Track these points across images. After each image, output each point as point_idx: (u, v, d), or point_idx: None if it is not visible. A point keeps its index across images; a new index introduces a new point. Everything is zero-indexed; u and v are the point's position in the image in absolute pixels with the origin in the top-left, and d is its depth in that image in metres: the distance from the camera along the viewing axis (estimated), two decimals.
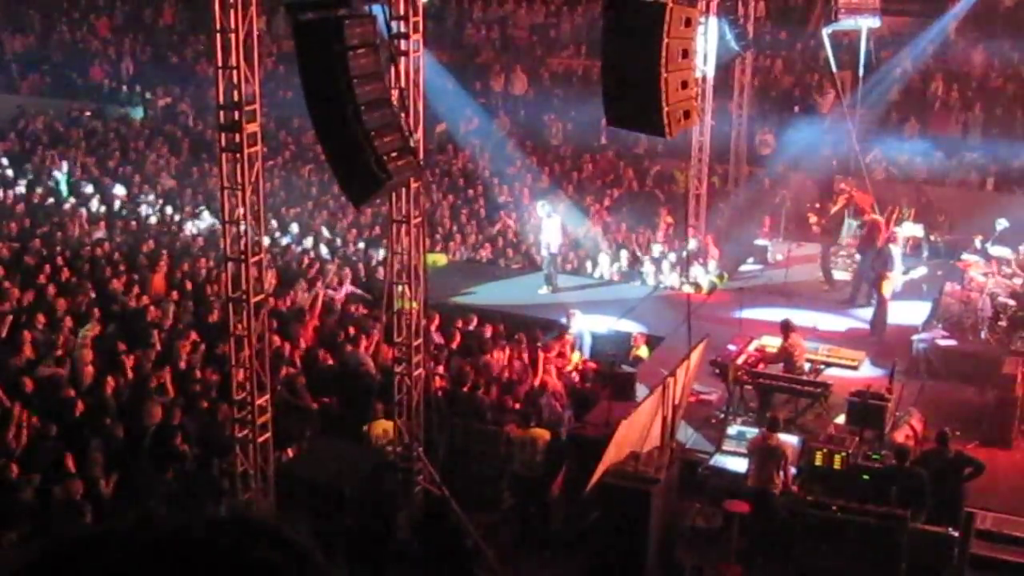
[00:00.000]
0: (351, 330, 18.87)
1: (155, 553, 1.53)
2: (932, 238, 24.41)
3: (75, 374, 16.54)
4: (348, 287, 21.67)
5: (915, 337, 18.37)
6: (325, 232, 25.02)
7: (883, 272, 19.35)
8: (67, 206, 25.89)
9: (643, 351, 18.67)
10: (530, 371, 17.57)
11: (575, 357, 18.65)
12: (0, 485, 13.23)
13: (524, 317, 20.28)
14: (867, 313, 20.32)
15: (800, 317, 18.31)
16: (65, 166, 29.08)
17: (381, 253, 22.40)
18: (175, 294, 20.28)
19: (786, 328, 16.53)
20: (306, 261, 22.78)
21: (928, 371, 17.73)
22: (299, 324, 19.18)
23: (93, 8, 39.41)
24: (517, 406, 16.28)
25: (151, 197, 27.08)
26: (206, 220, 25.16)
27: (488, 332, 19.23)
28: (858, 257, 22.82)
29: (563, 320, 19.63)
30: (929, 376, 17.58)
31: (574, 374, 18.13)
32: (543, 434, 14.82)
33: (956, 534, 12.86)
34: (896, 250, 19.79)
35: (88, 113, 34.04)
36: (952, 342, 18.21)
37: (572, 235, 24.85)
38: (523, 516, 14.80)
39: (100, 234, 23.72)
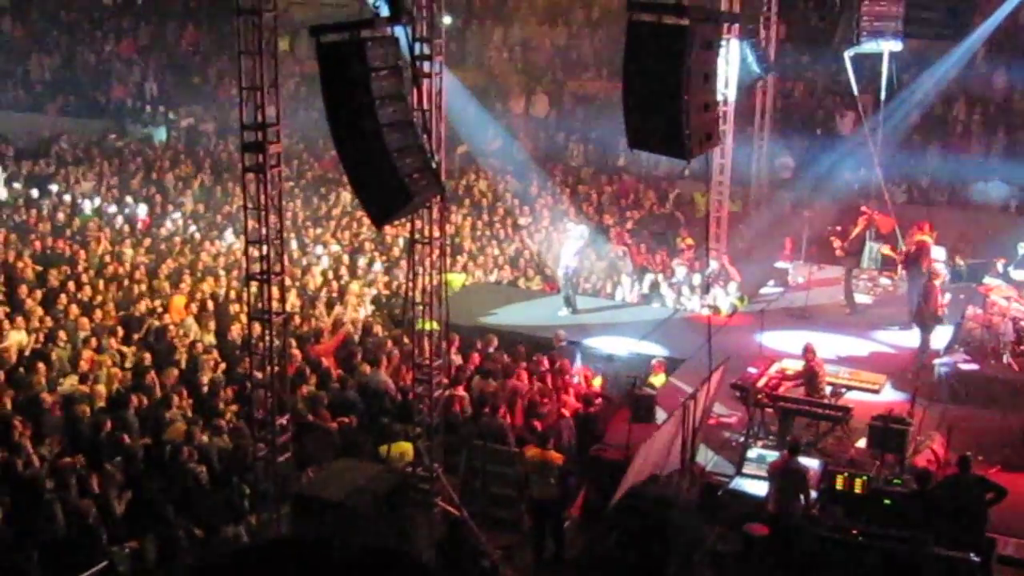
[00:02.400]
0: (371, 351, 18.93)
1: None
2: (954, 262, 24.31)
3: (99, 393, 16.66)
4: (368, 307, 21.75)
5: (937, 361, 18.28)
6: (339, 250, 25.08)
7: (926, 307, 19.06)
8: (91, 225, 26.04)
9: (660, 379, 18.30)
10: (552, 393, 17.51)
11: (596, 382, 18.56)
12: (29, 505, 13.32)
13: (544, 339, 20.24)
14: (894, 336, 20.31)
15: (821, 340, 18.22)
16: (89, 185, 29.27)
17: (401, 274, 22.50)
18: (197, 313, 20.41)
19: (807, 352, 16.47)
20: (327, 280, 22.85)
21: (950, 395, 17.63)
22: (320, 344, 19.24)
23: (117, 29, 39.71)
24: (539, 427, 16.23)
25: (174, 216, 27.20)
26: (228, 239, 25.26)
27: (507, 354, 19.23)
28: (885, 281, 22.79)
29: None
30: (951, 400, 17.48)
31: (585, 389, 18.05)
32: (557, 457, 14.72)
33: (977, 560, 12.78)
34: (938, 284, 19.55)
35: (113, 135, 34.26)
36: (974, 366, 18.11)
37: (594, 257, 24.85)
38: (541, 538, 14.76)
39: (124, 253, 23.81)
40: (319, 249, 24.94)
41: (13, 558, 12.31)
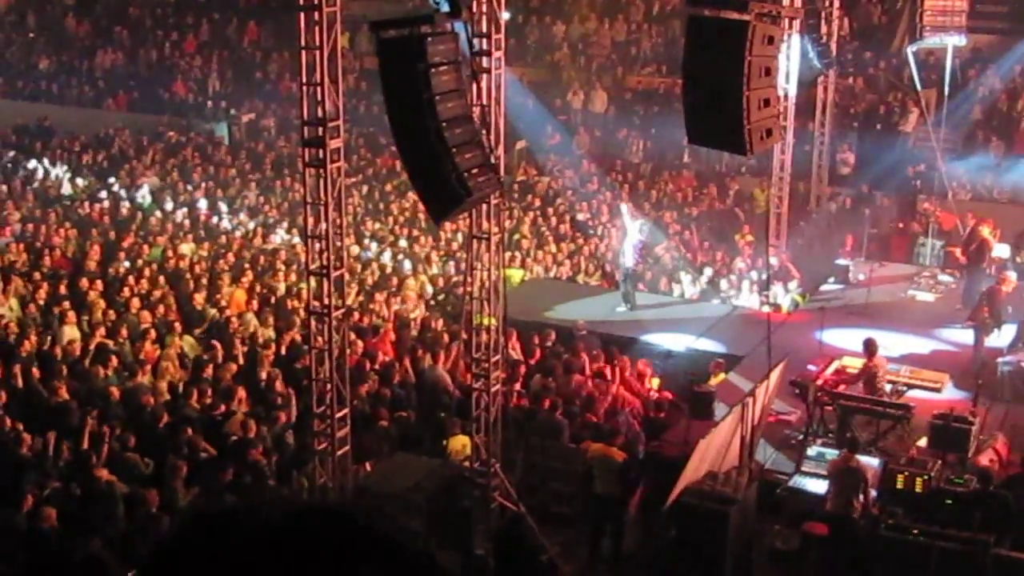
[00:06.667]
0: (430, 345, 18.98)
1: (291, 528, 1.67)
2: (1018, 259, 24.02)
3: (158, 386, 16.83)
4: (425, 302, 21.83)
5: (1000, 360, 18.05)
6: (404, 245, 25.15)
7: (990, 309, 18.71)
8: (152, 220, 26.29)
9: (719, 379, 18.05)
10: (608, 387, 17.45)
11: (654, 382, 18.46)
12: (91, 494, 13.49)
13: (602, 335, 20.20)
14: (955, 334, 20.07)
15: (882, 338, 18.05)
16: (151, 180, 29.55)
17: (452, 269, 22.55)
18: (257, 307, 20.55)
19: (869, 348, 16.30)
20: (385, 275, 22.94)
21: (1013, 394, 17.42)
22: (378, 339, 19.31)
23: (180, 26, 40.07)
24: (594, 420, 16.19)
25: (235, 211, 27.40)
26: (287, 234, 25.41)
27: (565, 350, 19.20)
28: (946, 279, 22.46)
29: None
30: (1014, 399, 17.27)
31: (653, 394, 17.95)
32: (619, 454, 14.69)
33: None
34: (1006, 290, 19.18)
35: (171, 133, 34.49)
36: None
37: (653, 253, 24.74)
38: (599, 534, 14.75)
39: (185, 248, 24.04)
40: (375, 245, 25.02)
41: (75, 547, 12.46)
